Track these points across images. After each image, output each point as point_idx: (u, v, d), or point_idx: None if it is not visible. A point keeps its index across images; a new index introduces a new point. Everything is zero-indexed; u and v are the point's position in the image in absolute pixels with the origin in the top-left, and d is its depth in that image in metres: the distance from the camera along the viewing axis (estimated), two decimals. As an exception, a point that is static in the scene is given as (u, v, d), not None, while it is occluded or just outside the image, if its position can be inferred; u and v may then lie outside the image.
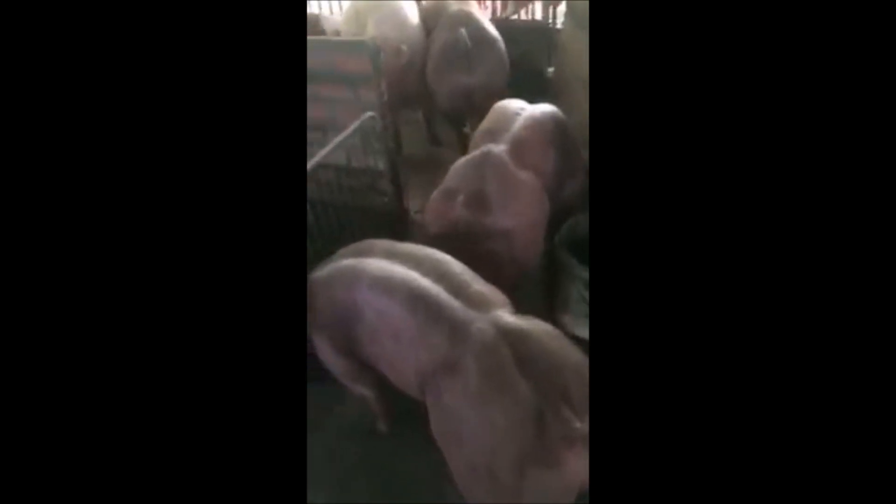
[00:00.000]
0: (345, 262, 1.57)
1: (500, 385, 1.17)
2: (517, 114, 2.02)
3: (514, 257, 1.75)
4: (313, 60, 2.33)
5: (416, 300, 1.35)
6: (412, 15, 3.02)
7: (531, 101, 2.38)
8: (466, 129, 3.12)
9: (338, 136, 2.25)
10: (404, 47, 2.82)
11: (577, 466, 1.15)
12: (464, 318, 1.28)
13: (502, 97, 2.50)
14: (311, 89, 2.42)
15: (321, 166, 2.11)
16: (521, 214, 1.73)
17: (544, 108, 2.11)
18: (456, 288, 1.36)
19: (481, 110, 2.76)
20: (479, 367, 1.21)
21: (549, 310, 2.22)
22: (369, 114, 2.31)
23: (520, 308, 1.42)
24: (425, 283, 1.38)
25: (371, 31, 2.93)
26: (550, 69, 3.75)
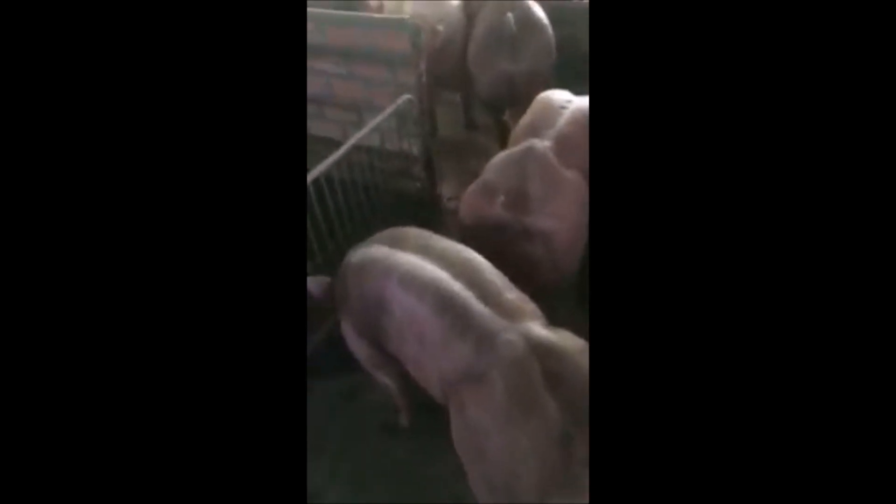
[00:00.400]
0: (378, 251, 1.51)
1: (527, 404, 1.12)
2: (563, 108, 1.89)
3: (554, 261, 1.65)
4: (352, 38, 2.26)
5: (445, 304, 1.29)
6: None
7: (575, 86, 2.26)
8: (505, 117, 2.98)
9: (372, 116, 2.21)
10: (441, 27, 2.69)
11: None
12: (493, 327, 1.23)
13: (547, 85, 2.36)
14: (349, 68, 2.36)
15: (354, 147, 2.06)
16: (563, 216, 1.62)
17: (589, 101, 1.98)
18: (487, 294, 1.30)
19: (523, 98, 2.63)
20: (506, 383, 1.15)
21: (583, 318, 2.12)
22: (407, 97, 2.22)
23: (553, 315, 1.34)
24: (456, 286, 1.31)
25: (409, 10, 2.81)
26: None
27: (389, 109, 2.19)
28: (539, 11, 2.64)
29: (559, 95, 1.99)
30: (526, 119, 1.94)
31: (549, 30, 2.64)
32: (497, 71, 2.61)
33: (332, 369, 1.93)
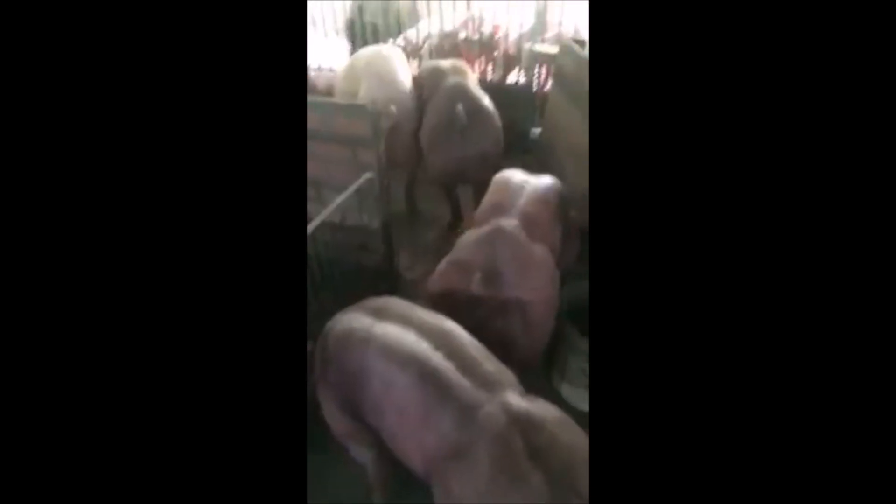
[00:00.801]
0: (359, 320, 1.51)
1: (512, 476, 1.14)
2: (522, 187, 2.04)
3: (530, 335, 1.73)
4: (313, 122, 2.35)
5: (426, 375, 1.30)
6: (405, 78, 3.08)
7: (517, 160, 2.42)
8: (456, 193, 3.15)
9: (331, 192, 2.25)
10: (393, 109, 2.86)
11: None
12: (473, 399, 1.25)
13: (496, 164, 2.54)
14: (308, 147, 2.43)
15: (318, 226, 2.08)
16: (536, 290, 1.73)
17: (546, 180, 2.15)
18: (466, 366, 1.32)
19: (478, 181, 2.81)
20: (490, 457, 1.17)
21: (548, 379, 2.20)
22: (368, 175, 2.31)
23: (527, 385, 1.38)
24: (436, 358, 1.33)
25: (363, 91, 2.96)
26: (535, 129, 3.87)
27: (353, 187, 2.25)
28: (487, 101, 2.86)
29: (517, 176, 2.14)
30: (488, 199, 2.07)
31: (497, 117, 2.86)
32: (449, 157, 2.78)
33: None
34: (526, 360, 1.78)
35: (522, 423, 1.20)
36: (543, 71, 3.84)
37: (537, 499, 1.12)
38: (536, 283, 1.73)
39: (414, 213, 3.40)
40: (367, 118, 2.23)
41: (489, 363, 1.37)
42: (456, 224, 3.21)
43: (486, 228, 1.82)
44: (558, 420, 1.26)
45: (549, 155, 3.24)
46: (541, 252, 1.79)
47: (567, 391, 2.11)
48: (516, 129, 3.69)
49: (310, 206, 2.41)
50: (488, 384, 1.29)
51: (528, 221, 1.86)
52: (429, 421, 1.28)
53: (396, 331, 1.43)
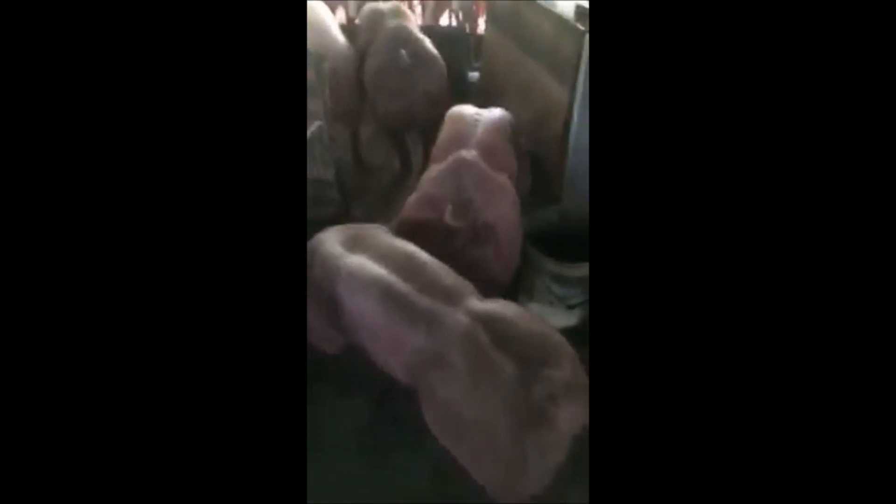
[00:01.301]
0: (333, 248, 1.63)
1: (486, 368, 1.28)
2: (476, 119, 2.09)
3: (501, 257, 1.81)
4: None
5: (388, 301, 1.43)
6: (333, 25, 3.00)
7: (455, 104, 2.45)
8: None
9: None
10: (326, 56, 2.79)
11: (565, 418, 1.28)
12: (438, 313, 1.38)
13: (443, 109, 2.56)
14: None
15: None
16: (503, 215, 1.80)
17: (498, 112, 2.20)
18: (426, 284, 1.45)
19: (425, 125, 2.85)
20: (463, 357, 1.31)
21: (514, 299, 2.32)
22: (318, 123, 2.28)
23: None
24: (396, 283, 1.46)
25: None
26: (472, 73, 3.87)
27: None
28: (429, 45, 2.85)
29: (469, 110, 2.18)
30: (444, 135, 2.10)
31: (439, 59, 2.85)
32: (395, 98, 2.77)
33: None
34: (500, 283, 1.88)
35: (485, 320, 1.34)
36: (476, 10, 3.83)
37: (510, 381, 1.26)
38: (503, 207, 1.81)
39: (360, 163, 3.36)
40: (310, 63, 2.18)
41: (449, 278, 1.51)
42: (406, 171, 3.22)
43: (448, 161, 1.86)
44: (517, 312, 1.42)
45: (493, 97, 3.27)
46: (502, 178, 1.86)
47: (535, 310, 2.23)
48: (452, 72, 3.68)
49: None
50: (449, 297, 1.43)
51: (487, 151, 1.92)
52: (399, 340, 1.42)
53: (361, 261, 1.55)
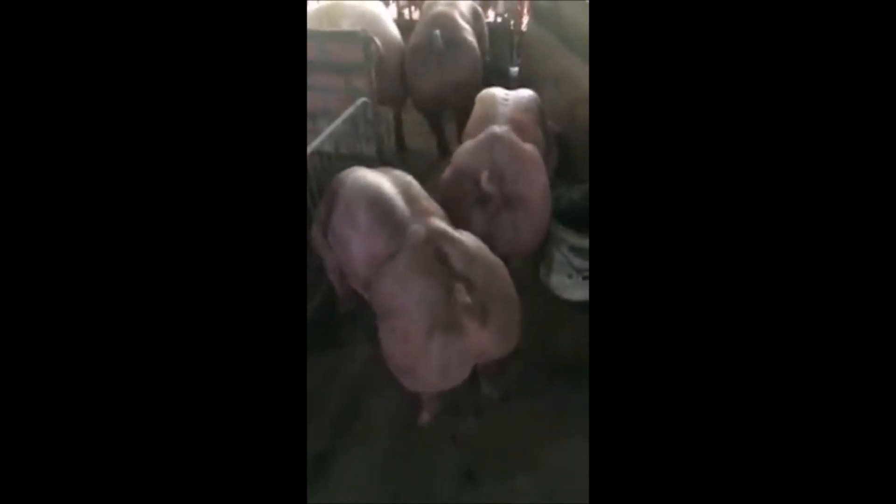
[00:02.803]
0: (356, 168, 1.97)
1: (421, 268, 1.52)
2: (506, 98, 2.25)
3: (531, 223, 1.97)
4: (308, 51, 2.49)
5: (376, 201, 1.72)
6: (387, 18, 3.22)
7: None
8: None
9: (327, 123, 2.38)
10: (378, 41, 2.99)
11: (475, 336, 1.50)
12: (405, 222, 1.64)
13: (476, 92, 2.71)
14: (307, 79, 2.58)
15: (311, 154, 2.19)
16: (534, 183, 1.95)
17: (527, 93, 2.35)
18: (410, 198, 1.74)
19: (455, 105, 3.02)
20: (408, 256, 1.55)
21: (537, 275, 2.45)
22: (363, 99, 2.46)
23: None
24: (389, 189, 1.75)
25: (346, 26, 3.09)
26: (513, 69, 4.02)
27: (346, 113, 2.39)
28: (465, 32, 3.01)
29: (499, 91, 2.35)
30: (476, 114, 2.28)
31: (475, 47, 3.01)
32: (427, 79, 2.95)
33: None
34: (529, 247, 2.07)
35: (438, 237, 1.57)
36: (521, 8, 3.98)
37: (436, 284, 1.48)
38: (533, 177, 1.96)
39: (402, 145, 3.56)
40: (358, 43, 2.38)
41: (428, 202, 1.79)
42: (443, 154, 3.40)
43: (481, 136, 2.02)
44: (472, 240, 1.63)
45: (527, 84, 3.42)
46: (532, 150, 2.00)
47: (555, 281, 2.35)
48: (494, 67, 3.85)
49: (309, 139, 2.57)
50: (422, 213, 1.69)
51: (517, 127, 2.07)
52: (371, 235, 1.67)
53: (369, 172, 1.90)
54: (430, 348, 1.48)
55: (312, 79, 2.54)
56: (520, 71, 3.76)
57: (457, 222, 1.79)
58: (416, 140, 3.64)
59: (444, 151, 3.40)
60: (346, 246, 1.78)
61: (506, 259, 1.73)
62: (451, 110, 3.18)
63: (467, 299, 1.44)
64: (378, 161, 2.69)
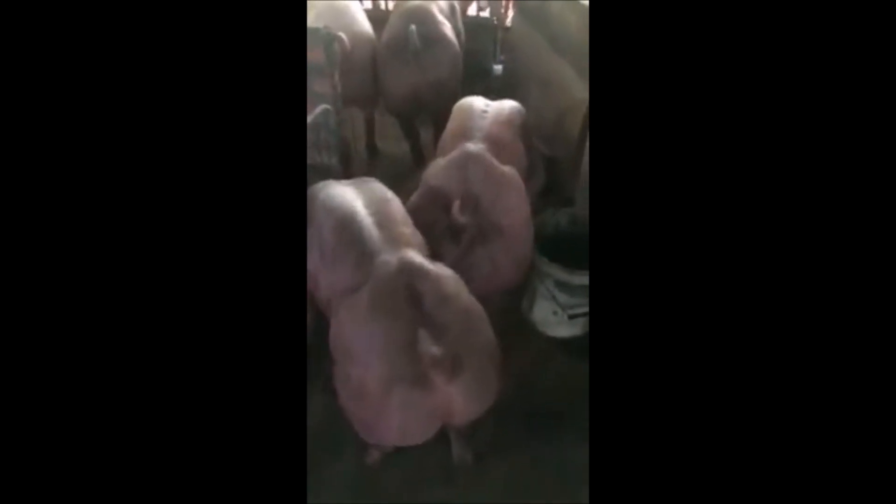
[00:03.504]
0: (332, 184, 1.73)
1: (386, 308, 1.30)
2: (484, 111, 1.97)
3: (511, 256, 1.70)
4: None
5: (344, 222, 1.50)
6: (357, 10, 2.89)
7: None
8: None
9: None
10: (344, 36, 2.69)
11: (443, 393, 1.27)
12: (375, 249, 1.43)
13: (454, 97, 2.42)
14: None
15: None
16: (513, 211, 1.69)
17: (508, 104, 2.08)
18: (384, 223, 1.51)
19: (431, 108, 2.72)
20: (372, 292, 1.33)
21: (517, 307, 2.20)
22: (324, 106, 2.18)
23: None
24: (360, 209, 1.53)
25: (312, 18, 2.77)
26: (497, 66, 3.74)
27: (307, 120, 2.13)
28: (444, 27, 2.71)
29: (478, 101, 2.06)
30: (452, 126, 1.99)
31: (454, 44, 2.71)
32: (403, 80, 2.63)
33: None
34: (510, 283, 1.78)
35: (411, 272, 1.35)
36: (505, 1, 3.69)
37: (401, 330, 1.26)
38: (511, 204, 1.70)
39: (373, 149, 3.26)
40: (319, 42, 2.09)
41: (406, 227, 1.56)
42: (418, 163, 3.11)
43: (454, 154, 1.75)
44: (448, 276, 1.40)
45: (517, 90, 3.14)
46: (511, 173, 1.74)
47: (537, 316, 2.11)
48: (476, 64, 3.56)
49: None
50: (396, 241, 1.46)
51: (494, 144, 1.80)
52: (337, 260, 1.47)
53: (343, 189, 1.66)
54: (389, 404, 1.26)
55: (267, 80, 2.24)
56: (504, 71, 3.48)
57: (427, 253, 1.53)
58: (388, 143, 3.33)
59: (419, 159, 3.11)
60: (312, 271, 1.56)
61: (483, 298, 1.48)
62: (427, 113, 2.87)
63: (433, 349, 1.20)
64: (342, 172, 2.41)
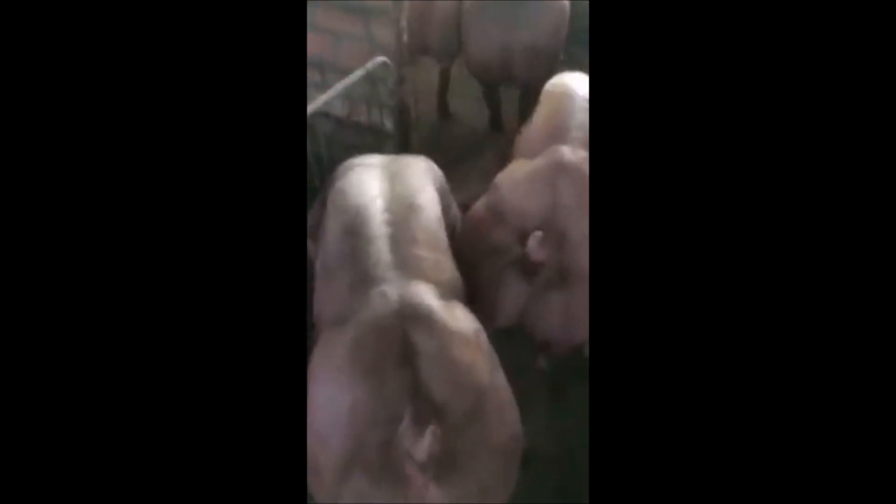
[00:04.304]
0: (362, 159, 1.47)
1: (366, 361, 0.98)
2: (586, 99, 1.51)
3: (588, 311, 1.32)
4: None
5: (352, 231, 1.20)
6: None
7: (578, 67, 1.91)
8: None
9: (338, 77, 1.84)
10: None
11: (418, 492, 0.91)
12: (377, 274, 1.10)
13: (551, 65, 2.01)
14: (312, 16, 1.95)
15: (318, 115, 1.74)
16: None
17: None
18: (403, 239, 1.17)
19: (520, 76, 2.31)
20: (355, 337, 1.01)
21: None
22: (381, 58, 1.84)
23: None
24: (375, 218, 1.21)
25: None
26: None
27: (360, 71, 1.82)
28: None
29: (580, 84, 1.60)
30: (542, 115, 1.57)
31: (561, 5, 2.25)
32: (490, 42, 2.23)
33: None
34: (576, 343, 1.38)
35: (413, 318, 1.01)
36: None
37: (378, 404, 0.94)
38: None
39: (445, 112, 2.86)
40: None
41: (429, 251, 1.19)
42: (495, 130, 2.70)
43: (541, 162, 1.32)
44: (461, 330, 1.04)
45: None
46: None
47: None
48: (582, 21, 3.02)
49: (312, 92, 1.97)
50: (409, 269, 1.12)
51: None
52: (332, 275, 1.19)
53: (365, 180, 1.34)
54: (341, 496, 0.95)
55: (321, 17, 1.92)
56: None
57: (477, 287, 1.19)
58: (463, 102, 2.89)
59: (498, 128, 2.70)
60: (316, 276, 1.27)
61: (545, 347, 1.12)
62: (515, 84, 2.46)
63: (417, 448, 0.87)
64: (396, 139, 2.07)
